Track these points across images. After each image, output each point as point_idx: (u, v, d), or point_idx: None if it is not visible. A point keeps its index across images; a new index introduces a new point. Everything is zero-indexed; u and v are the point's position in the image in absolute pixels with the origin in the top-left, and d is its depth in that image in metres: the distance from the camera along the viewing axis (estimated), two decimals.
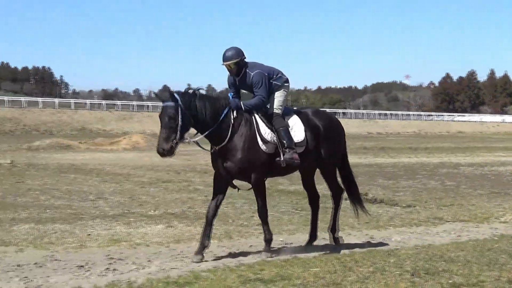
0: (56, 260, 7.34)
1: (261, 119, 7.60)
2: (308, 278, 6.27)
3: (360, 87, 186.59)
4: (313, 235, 8.35)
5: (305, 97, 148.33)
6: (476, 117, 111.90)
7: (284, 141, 7.49)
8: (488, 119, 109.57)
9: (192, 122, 7.22)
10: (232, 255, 7.66)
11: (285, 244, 8.46)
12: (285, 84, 7.89)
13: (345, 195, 8.62)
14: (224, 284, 6.09)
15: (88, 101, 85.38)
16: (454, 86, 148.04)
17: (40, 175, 18.33)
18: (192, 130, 7.42)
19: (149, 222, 10.19)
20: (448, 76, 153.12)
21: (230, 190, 7.79)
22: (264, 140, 7.46)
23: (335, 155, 8.28)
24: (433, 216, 11.18)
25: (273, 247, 7.86)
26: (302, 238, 8.63)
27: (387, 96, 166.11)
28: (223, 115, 7.38)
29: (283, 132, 7.53)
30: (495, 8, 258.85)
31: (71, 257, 7.48)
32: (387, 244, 8.45)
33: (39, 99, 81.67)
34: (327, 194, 8.74)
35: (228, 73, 7.80)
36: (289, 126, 7.65)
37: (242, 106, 7.56)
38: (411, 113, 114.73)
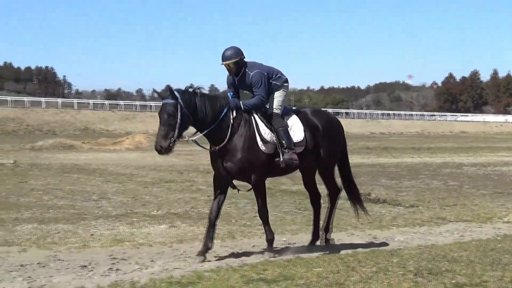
0: (59, 260, 7.35)
1: (261, 119, 7.57)
2: (311, 278, 6.27)
3: (363, 87, 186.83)
4: (315, 235, 8.34)
5: (308, 97, 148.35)
6: (479, 117, 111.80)
7: (283, 142, 7.47)
8: (491, 119, 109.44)
9: (191, 121, 7.19)
10: (235, 255, 7.65)
11: (288, 244, 8.46)
12: (285, 84, 7.87)
13: (345, 195, 8.62)
14: (227, 284, 6.09)
15: (91, 101, 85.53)
16: (457, 86, 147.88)
17: (43, 175, 18.35)
18: (192, 129, 7.40)
19: (152, 222, 10.19)
20: (451, 76, 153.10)
21: (231, 190, 7.79)
22: (263, 140, 7.44)
23: (335, 155, 8.26)
24: (436, 216, 11.17)
25: (276, 247, 7.86)
26: (305, 238, 8.63)
27: (390, 96, 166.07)
28: (222, 114, 7.37)
29: (282, 132, 7.50)
30: (498, 8, 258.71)
31: (74, 257, 7.49)
32: (390, 244, 8.44)
33: (42, 99, 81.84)
34: None
35: (227, 72, 7.79)
36: (288, 126, 7.63)
37: (242, 105, 7.55)
38: (414, 113, 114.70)
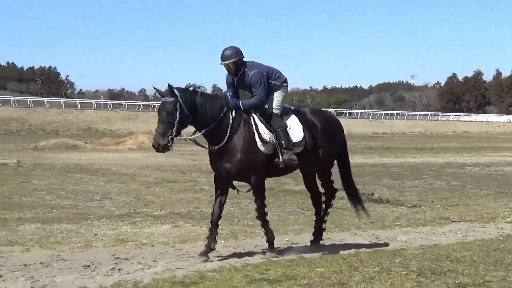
0: (62, 259, 7.36)
1: (260, 119, 7.55)
2: (314, 278, 6.26)
3: (366, 87, 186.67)
4: (317, 235, 8.33)
5: (311, 97, 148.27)
6: (482, 117, 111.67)
7: (283, 142, 7.45)
8: (494, 119, 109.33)
9: (190, 119, 7.15)
10: (238, 255, 7.65)
11: (291, 244, 8.46)
12: (284, 84, 7.85)
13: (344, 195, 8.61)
14: (230, 284, 6.09)
15: (94, 101, 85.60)
16: (460, 86, 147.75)
17: (46, 175, 18.37)
18: (191, 128, 7.38)
19: (155, 222, 10.20)
20: (454, 76, 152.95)
21: (232, 190, 7.79)
22: (263, 141, 7.41)
23: (334, 155, 8.24)
24: (439, 216, 11.16)
25: (279, 247, 7.86)
26: (308, 238, 8.60)
27: (393, 96, 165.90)
28: (222, 114, 7.35)
29: (281, 132, 7.48)
30: (502, 8, 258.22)
31: (77, 257, 7.50)
32: (393, 244, 8.44)
33: (45, 99, 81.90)
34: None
35: (226, 72, 7.77)
36: (287, 127, 7.61)
37: (241, 105, 7.53)
38: (417, 113, 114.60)
